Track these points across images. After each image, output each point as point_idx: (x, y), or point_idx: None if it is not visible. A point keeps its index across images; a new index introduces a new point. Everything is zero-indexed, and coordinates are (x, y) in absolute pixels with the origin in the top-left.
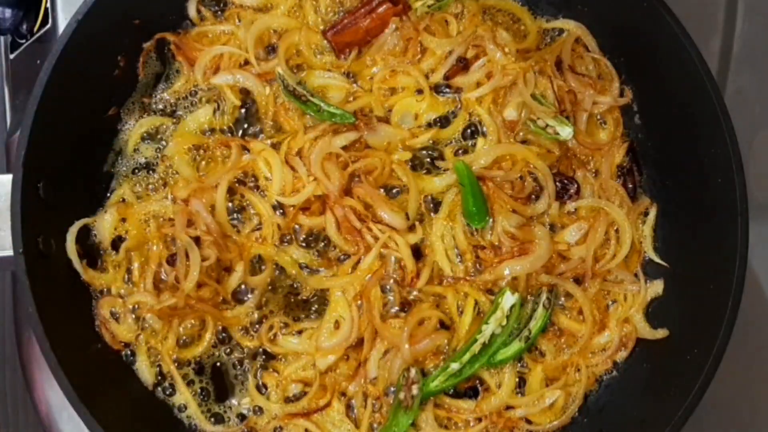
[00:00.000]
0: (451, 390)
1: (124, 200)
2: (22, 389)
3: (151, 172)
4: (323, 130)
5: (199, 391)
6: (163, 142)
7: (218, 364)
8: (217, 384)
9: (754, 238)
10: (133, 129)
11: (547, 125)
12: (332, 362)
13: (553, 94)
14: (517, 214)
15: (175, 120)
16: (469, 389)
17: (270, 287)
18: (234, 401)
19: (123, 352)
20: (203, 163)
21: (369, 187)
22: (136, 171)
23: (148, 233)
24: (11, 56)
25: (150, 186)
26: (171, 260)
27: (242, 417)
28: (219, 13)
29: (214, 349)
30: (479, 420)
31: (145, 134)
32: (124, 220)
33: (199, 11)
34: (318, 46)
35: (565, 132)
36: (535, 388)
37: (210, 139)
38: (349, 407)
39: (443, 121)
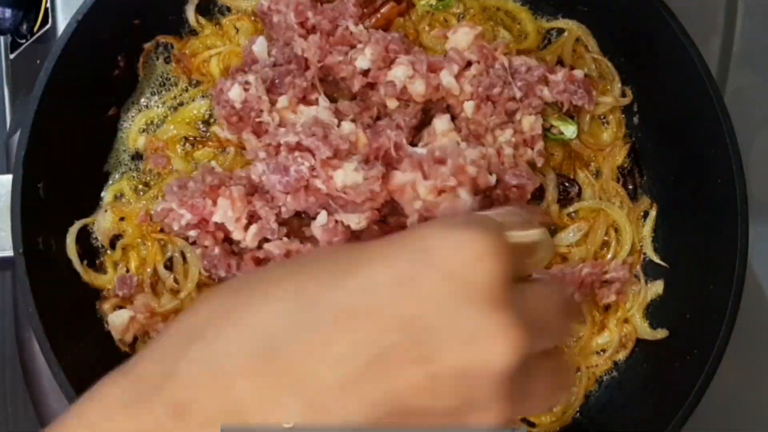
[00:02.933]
0: None
1: (122, 196)
2: (22, 389)
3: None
4: None
5: None
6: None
7: None
8: None
9: (754, 238)
10: (133, 123)
11: (551, 126)
12: None
13: None
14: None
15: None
16: None
17: None
18: None
19: (124, 351)
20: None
21: None
22: (135, 167)
23: (144, 230)
24: (11, 56)
25: (149, 182)
26: (169, 264)
27: None
28: (219, 17)
29: None
30: None
31: (143, 128)
32: (122, 219)
33: (197, 20)
34: None
35: (570, 131)
36: None
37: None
38: None
39: None
